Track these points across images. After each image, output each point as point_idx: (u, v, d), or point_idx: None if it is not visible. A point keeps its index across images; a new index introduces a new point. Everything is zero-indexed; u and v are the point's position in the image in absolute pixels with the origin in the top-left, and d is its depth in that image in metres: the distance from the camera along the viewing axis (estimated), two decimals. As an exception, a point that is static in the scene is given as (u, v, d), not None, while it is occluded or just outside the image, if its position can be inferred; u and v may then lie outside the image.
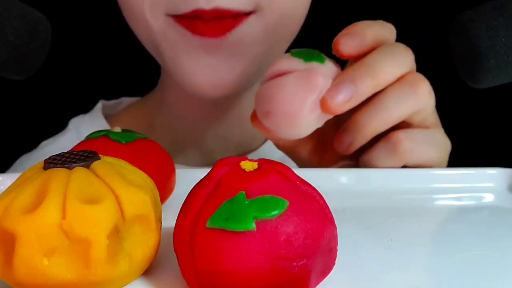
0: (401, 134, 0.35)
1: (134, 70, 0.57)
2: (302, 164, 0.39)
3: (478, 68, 0.33)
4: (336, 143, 0.36)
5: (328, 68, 0.33)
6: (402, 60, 0.34)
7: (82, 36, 0.65)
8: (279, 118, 0.33)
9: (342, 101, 0.32)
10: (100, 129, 0.31)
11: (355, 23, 0.35)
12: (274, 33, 0.41)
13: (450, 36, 0.36)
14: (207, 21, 0.38)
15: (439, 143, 0.37)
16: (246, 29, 0.39)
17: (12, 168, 0.52)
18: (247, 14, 0.39)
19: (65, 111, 0.57)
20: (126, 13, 0.43)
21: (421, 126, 0.36)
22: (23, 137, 0.55)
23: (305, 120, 0.32)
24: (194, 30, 0.39)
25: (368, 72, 0.33)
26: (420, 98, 0.34)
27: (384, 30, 0.35)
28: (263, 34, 0.40)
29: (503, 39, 0.32)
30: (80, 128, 0.53)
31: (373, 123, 0.34)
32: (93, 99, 0.57)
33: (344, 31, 0.34)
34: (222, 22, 0.38)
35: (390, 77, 0.34)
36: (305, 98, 0.32)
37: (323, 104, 0.32)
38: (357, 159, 0.38)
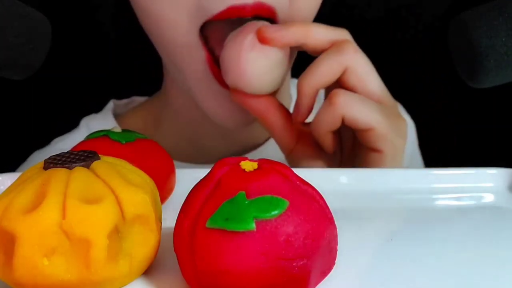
0: (338, 90, 0.37)
1: (150, 69, 0.57)
2: (282, 145, 0.41)
3: (478, 68, 0.33)
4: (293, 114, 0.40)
5: (262, 21, 0.38)
6: (335, 30, 0.38)
7: (96, 36, 0.66)
8: (230, 65, 0.37)
9: (272, 31, 0.37)
10: (109, 127, 0.31)
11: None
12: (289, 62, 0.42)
13: (450, 36, 0.36)
14: None
15: (388, 114, 0.38)
16: None
17: (24, 163, 0.53)
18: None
19: (79, 110, 0.58)
20: (154, 30, 0.42)
21: (364, 93, 0.38)
22: (37, 135, 0.57)
23: (249, 58, 0.37)
24: (223, 84, 0.40)
25: (302, 24, 0.38)
26: (344, 54, 0.37)
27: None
28: None
29: (503, 39, 0.32)
30: (91, 127, 0.55)
31: (306, 79, 0.38)
32: (107, 98, 0.58)
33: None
34: None
35: (319, 34, 0.38)
36: (241, 40, 0.37)
37: (258, 32, 0.37)
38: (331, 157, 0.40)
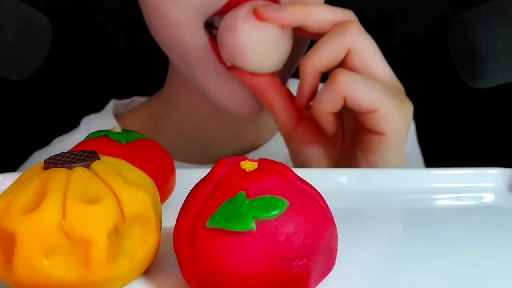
0: (340, 69, 0.36)
1: (150, 69, 0.57)
2: (283, 128, 0.40)
3: (478, 68, 0.33)
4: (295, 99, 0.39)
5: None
6: (338, 11, 0.37)
7: (97, 37, 0.66)
8: (225, 36, 0.37)
9: (269, 11, 0.36)
10: (109, 127, 0.31)
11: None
12: (298, 51, 0.42)
13: (450, 36, 0.36)
14: None
15: (392, 94, 0.37)
16: None
17: (25, 164, 0.53)
18: None
19: (79, 110, 0.58)
20: (158, 26, 0.42)
21: (369, 73, 0.37)
22: (38, 135, 0.56)
23: (243, 30, 0.36)
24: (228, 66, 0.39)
25: (302, 4, 0.37)
26: (346, 35, 0.36)
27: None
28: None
29: (503, 39, 0.32)
30: (91, 127, 0.54)
31: (307, 60, 0.37)
32: (108, 98, 0.58)
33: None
34: None
35: (320, 15, 0.37)
36: (236, 12, 0.37)
37: (255, 11, 0.36)
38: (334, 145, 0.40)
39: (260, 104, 0.41)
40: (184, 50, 0.41)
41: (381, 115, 0.36)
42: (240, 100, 0.41)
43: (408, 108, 0.37)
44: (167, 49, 0.43)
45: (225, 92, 0.41)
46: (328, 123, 0.38)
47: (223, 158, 0.23)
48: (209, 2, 0.38)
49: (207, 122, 0.50)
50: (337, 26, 0.37)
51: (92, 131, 0.31)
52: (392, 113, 0.36)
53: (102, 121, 0.55)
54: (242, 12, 0.36)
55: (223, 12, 0.38)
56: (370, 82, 0.36)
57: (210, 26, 0.40)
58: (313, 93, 0.38)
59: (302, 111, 0.40)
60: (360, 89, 0.36)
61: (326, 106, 0.37)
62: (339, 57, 0.37)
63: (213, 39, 0.39)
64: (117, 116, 0.56)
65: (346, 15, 0.37)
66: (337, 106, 0.36)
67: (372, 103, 0.36)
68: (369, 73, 0.37)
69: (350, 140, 0.40)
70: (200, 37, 0.40)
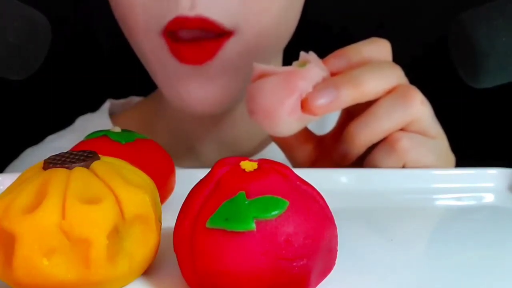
0: (400, 133, 0.35)
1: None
2: (295, 164, 0.40)
3: (478, 68, 0.33)
4: (334, 154, 0.38)
5: (310, 71, 0.34)
6: (387, 74, 0.35)
7: (94, 38, 0.66)
8: (261, 117, 0.34)
9: (323, 104, 0.33)
10: (104, 128, 0.31)
11: (343, 48, 0.36)
12: (257, 51, 0.41)
13: (450, 37, 0.36)
14: (189, 46, 0.38)
15: (441, 153, 0.37)
16: (228, 53, 0.39)
17: (17, 160, 0.53)
18: (227, 35, 0.39)
19: (77, 110, 0.58)
20: (124, 32, 0.43)
21: (423, 135, 0.36)
22: (37, 135, 0.56)
23: (285, 120, 0.34)
24: (180, 58, 0.39)
25: (351, 81, 0.34)
26: (412, 108, 0.35)
27: (373, 51, 0.36)
28: (245, 55, 0.40)
29: (504, 39, 0.32)
30: (86, 125, 0.54)
31: (364, 133, 0.35)
32: (106, 98, 0.58)
33: (332, 54, 0.36)
34: (203, 46, 0.38)
35: (374, 88, 0.35)
36: (283, 99, 0.33)
37: (304, 104, 0.34)
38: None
39: (221, 103, 0.41)
40: (143, 55, 0.42)
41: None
42: (200, 99, 0.41)
43: (450, 164, 0.38)
44: (135, 51, 0.44)
45: (186, 93, 0.41)
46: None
47: (223, 158, 0.23)
48: (154, 20, 0.39)
49: (192, 126, 0.50)
50: (398, 94, 0.35)
51: (86, 130, 0.31)
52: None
53: (97, 120, 0.54)
54: (289, 104, 0.33)
55: (170, 28, 0.38)
56: (427, 144, 0.35)
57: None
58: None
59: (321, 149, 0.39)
60: (420, 154, 0.35)
61: (381, 165, 0.36)
62: (400, 128, 0.35)
63: (171, 41, 0.39)
64: (113, 115, 0.56)
65: (396, 76, 0.35)
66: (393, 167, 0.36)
67: (425, 166, 0.36)
68: (425, 135, 0.36)
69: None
70: (156, 44, 0.40)
